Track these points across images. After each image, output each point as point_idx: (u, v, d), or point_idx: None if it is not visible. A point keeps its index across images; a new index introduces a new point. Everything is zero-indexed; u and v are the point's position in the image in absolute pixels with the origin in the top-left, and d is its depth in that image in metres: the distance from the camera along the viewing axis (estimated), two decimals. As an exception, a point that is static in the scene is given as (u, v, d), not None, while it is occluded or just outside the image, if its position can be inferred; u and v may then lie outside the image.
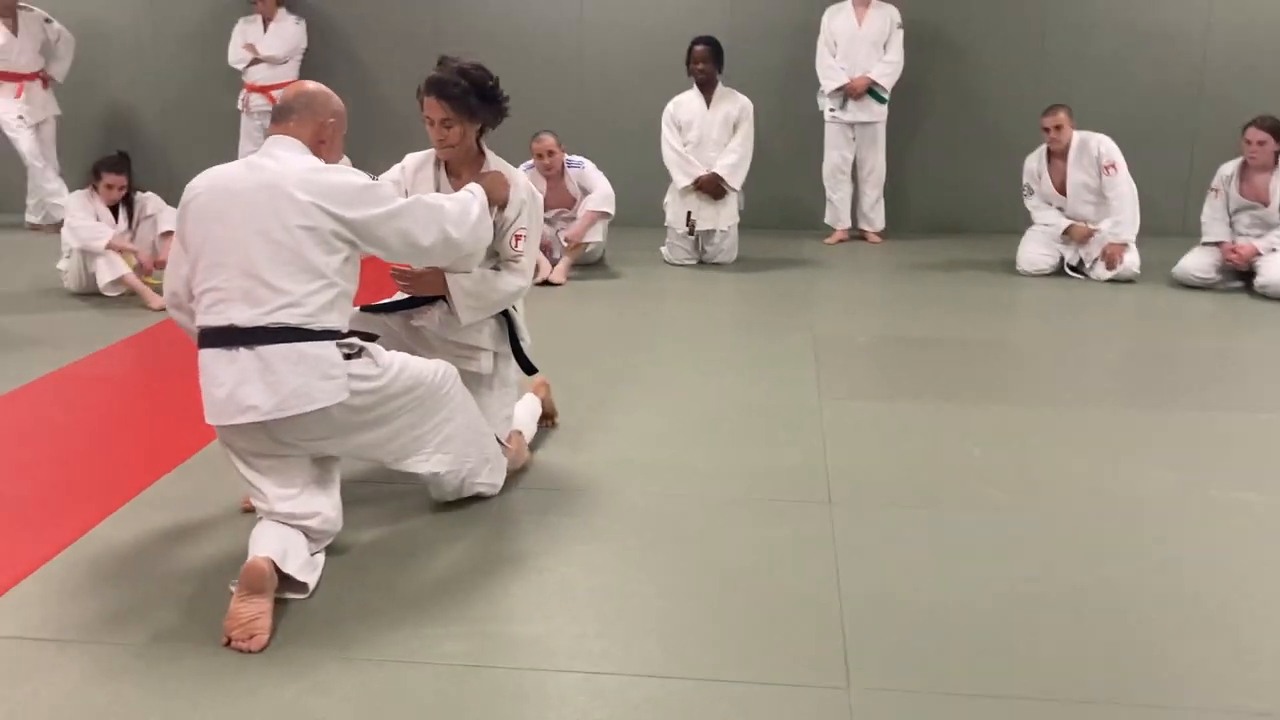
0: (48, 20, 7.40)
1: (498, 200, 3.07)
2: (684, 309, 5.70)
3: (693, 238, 6.40)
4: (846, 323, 5.20)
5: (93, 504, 3.07)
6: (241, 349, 2.56)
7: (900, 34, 6.60)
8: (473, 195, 2.96)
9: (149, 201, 5.63)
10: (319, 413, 2.59)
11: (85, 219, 5.46)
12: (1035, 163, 6.21)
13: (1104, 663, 2.37)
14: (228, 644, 2.36)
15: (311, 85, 2.83)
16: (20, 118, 7.17)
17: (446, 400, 2.91)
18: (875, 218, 6.96)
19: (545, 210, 6.20)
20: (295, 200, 2.57)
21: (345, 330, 2.69)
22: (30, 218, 7.47)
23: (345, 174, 2.70)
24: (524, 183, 3.19)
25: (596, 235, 6.11)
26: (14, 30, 7.22)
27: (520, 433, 3.38)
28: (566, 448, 3.57)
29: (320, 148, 2.75)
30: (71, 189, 6.28)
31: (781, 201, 7.46)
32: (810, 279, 6.09)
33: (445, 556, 2.85)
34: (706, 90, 6.31)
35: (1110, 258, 5.94)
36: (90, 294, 5.51)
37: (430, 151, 3.21)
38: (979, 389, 4.35)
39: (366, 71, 7.58)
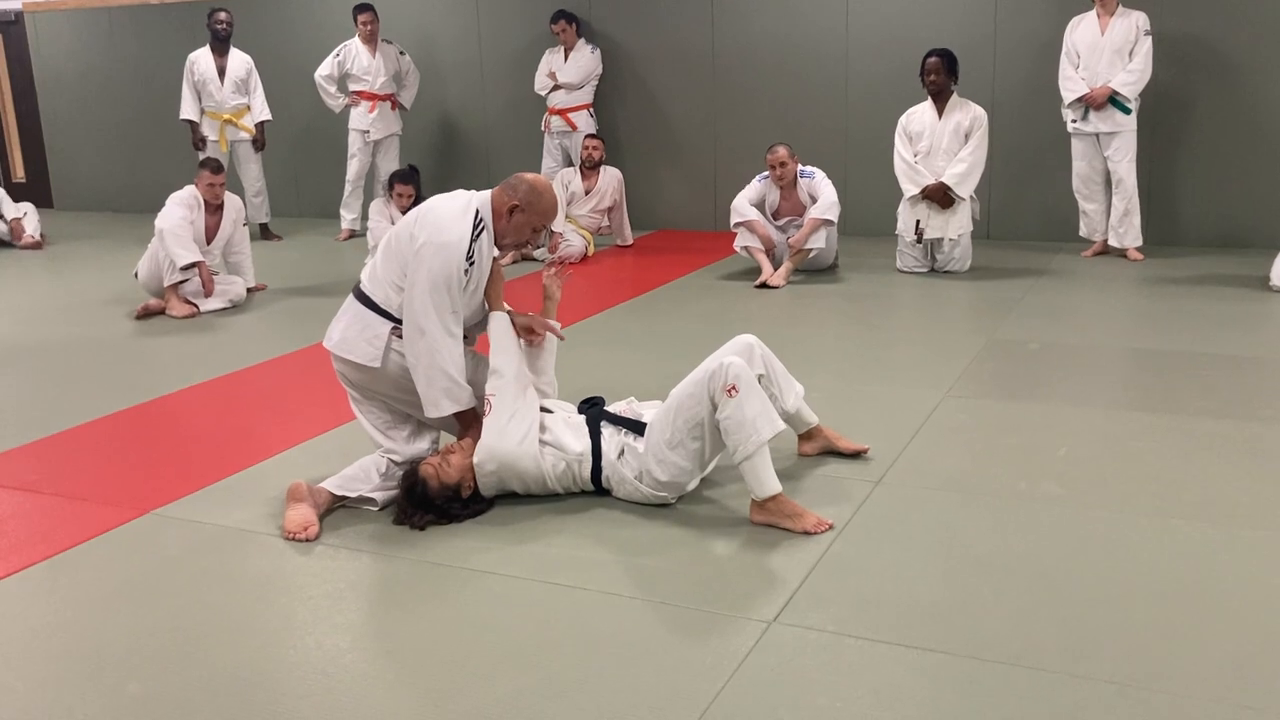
0: (401, 53, 8.79)
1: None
2: (875, 312, 5.85)
3: (922, 246, 6.56)
4: (1036, 331, 5.21)
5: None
6: (351, 299, 3.47)
7: (1148, 41, 6.33)
8: (457, 403, 3.34)
9: None
10: (359, 364, 3.37)
11: (381, 221, 6.61)
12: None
13: (1028, 630, 2.54)
14: (290, 537, 3.16)
15: (538, 183, 3.41)
16: (365, 132, 8.61)
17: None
18: (1125, 232, 6.66)
19: (779, 218, 6.66)
20: (410, 227, 3.38)
21: None
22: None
23: (442, 233, 3.29)
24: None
25: (819, 242, 6.43)
26: (373, 55, 8.65)
27: None
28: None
29: (498, 219, 3.39)
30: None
31: (1042, 213, 7.39)
32: (1036, 288, 6.06)
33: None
34: (939, 101, 6.47)
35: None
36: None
37: None
38: (1117, 395, 4.36)
39: (651, 90, 8.35)
